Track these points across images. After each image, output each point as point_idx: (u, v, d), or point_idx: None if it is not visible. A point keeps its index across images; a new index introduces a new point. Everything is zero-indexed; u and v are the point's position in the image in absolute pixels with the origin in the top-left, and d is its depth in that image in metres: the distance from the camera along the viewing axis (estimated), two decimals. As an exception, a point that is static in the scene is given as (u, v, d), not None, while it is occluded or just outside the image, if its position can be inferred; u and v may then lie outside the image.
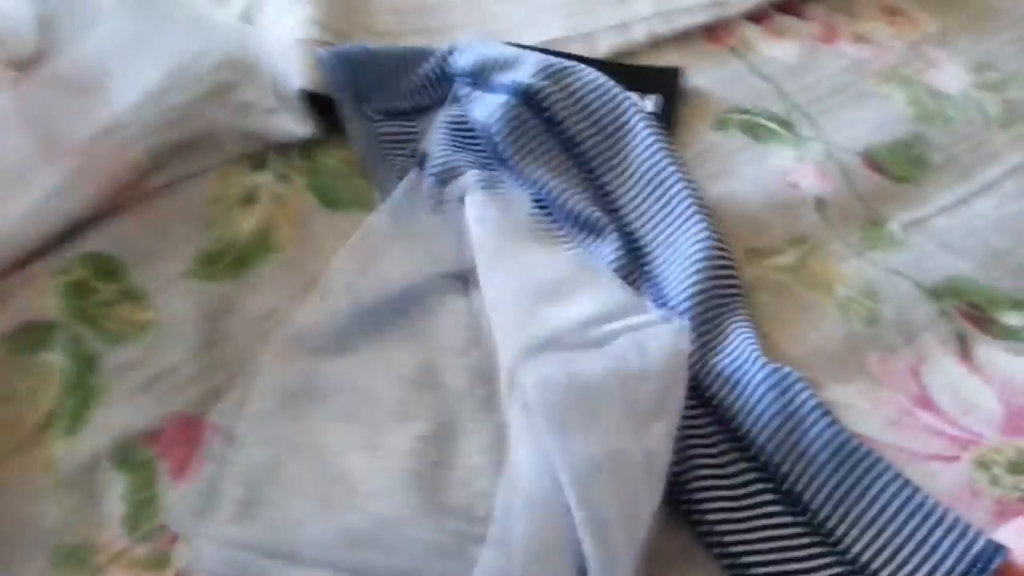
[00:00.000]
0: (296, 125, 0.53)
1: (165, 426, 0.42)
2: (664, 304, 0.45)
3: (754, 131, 0.55)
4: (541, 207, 0.49)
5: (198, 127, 0.51)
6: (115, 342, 0.44)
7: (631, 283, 0.46)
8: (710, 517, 0.39)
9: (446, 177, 0.49)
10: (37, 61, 0.54)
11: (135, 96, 0.50)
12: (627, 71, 0.54)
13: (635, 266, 0.47)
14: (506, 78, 0.50)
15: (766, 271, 0.48)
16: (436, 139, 0.51)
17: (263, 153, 0.53)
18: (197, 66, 0.51)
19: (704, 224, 0.46)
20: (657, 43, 0.59)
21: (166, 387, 0.43)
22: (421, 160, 0.51)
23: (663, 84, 0.55)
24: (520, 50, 0.51)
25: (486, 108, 0.50)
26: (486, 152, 0.50)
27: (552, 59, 0.50)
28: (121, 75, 0.51)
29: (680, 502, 0.39)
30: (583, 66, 0.51)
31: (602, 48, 0.58)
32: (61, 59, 0.52)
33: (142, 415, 0.42)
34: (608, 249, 0.47)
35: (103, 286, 0.46)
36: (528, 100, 0.49)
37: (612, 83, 0.50)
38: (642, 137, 0.49)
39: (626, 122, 0.49)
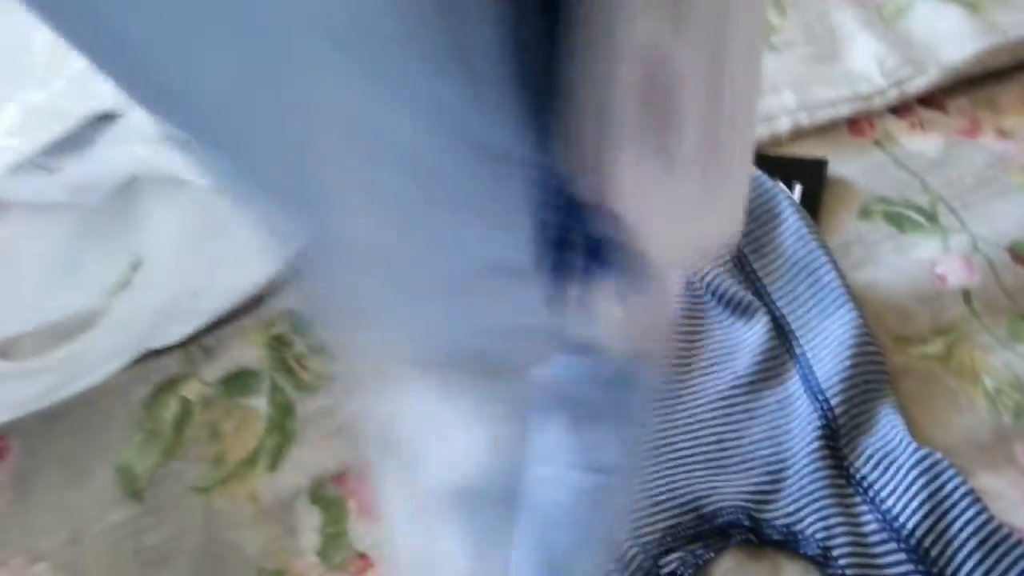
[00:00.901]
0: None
1: (351, 468, 0.47)
2: (813, 386, 0.47)
3: (899, 222, 0.57)
4: (692, 290, 0.52)
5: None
6: (308, 391, 0.50)
7: (780, 365, 0.49)
8: (860, 594, 0.41)
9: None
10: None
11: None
12: (773, 160, 0.58)
13: (784, 348, 0.49)
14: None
15: (913, 359, 0.50)
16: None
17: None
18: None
19: (855, 312, 0.48)
20: (801, 133, 0.63)
21: (350, 434, 0.48)
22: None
23: (808, 174, 0.58)
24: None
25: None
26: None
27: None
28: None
29: (830, 578, 0.42)
30: (736, 157, 0.54)
31: (749, 138, 0.62)
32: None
33: (332, 457, 0.47)
34: (758, 331, 0.50)
35: (298, 340, 0.53)
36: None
37: (761, 173, 0.54)
38: (792, 225, 0.52)
39: (777, 211, 0.52)
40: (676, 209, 0.27)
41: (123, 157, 0.57)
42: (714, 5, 0.24)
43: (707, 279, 0.52)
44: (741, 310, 0.51)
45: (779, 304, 0.51)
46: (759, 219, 0.52)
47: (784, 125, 0.62)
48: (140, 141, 0.58)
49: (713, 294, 0.52)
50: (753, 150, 0.59)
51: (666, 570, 0.43)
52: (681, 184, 0.26)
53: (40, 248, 0.57)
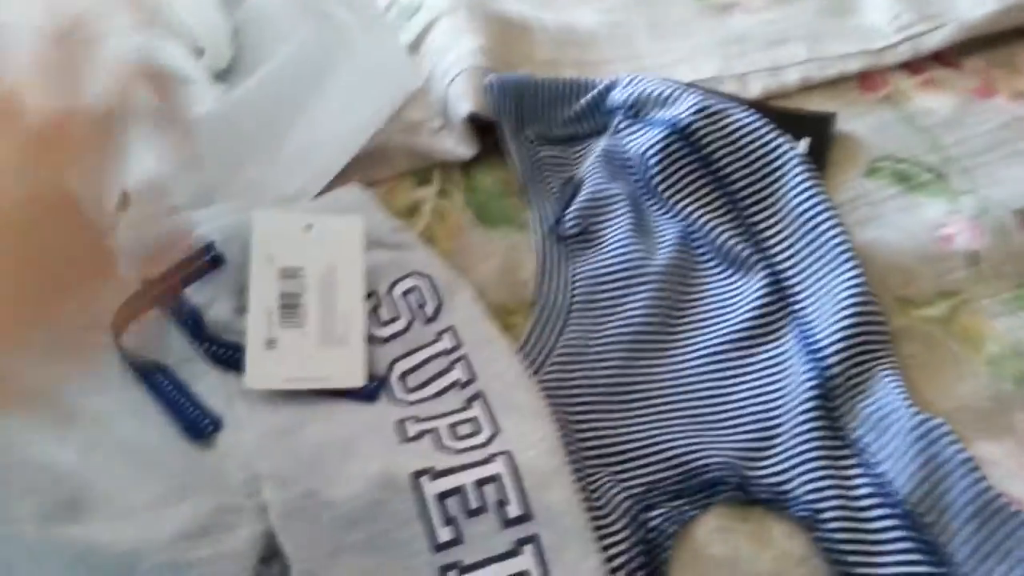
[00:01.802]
0: (459, 145, 0.56)
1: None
2: (810, 344, 0.45)
3: (906, 181, 0.55)
4: (690, 240, 0.50)
5: (372, 143, 0.55)
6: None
7: (776, 321, 0.47)
8: (850, 559, 0.40)
9: (595, 204, 0.52)
10: (232, 73, 0.59)
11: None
12: (779, 113, 0.55)
13: (781, 304, 0.48)
14: (663, 114, 0.52)
15: (915, 321, 0.48)
16: (592, 167, 0.53)
17: (428, 170, 0.56)
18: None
19: (857, 270, 0.46)
20: (809, 87, 0.60)
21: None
22: (576, 186, 0.53)
23: (815, 129, 0.56)
24: (679, 87, 0.53)
25: (643, 142, 0.52)
26: (640, 184, 0.52)
27: (709, 98, 0.52)
28: (308, 98, 0.55)
29: (819, 541, 0.40)
30: (739, 106, 0.52)
31: (754, 90, 0.59)
32: (252, 79, 0.57)
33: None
34: (755, 285, 0.48)
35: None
36: (684, 137, 0.51)
37: (767, 124, 0.51)
38: (796, 179, 0.50)
39: (780, 164, 0.50)
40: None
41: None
42: None
43: (703, 229, 0.50)
44: (738, 263, 0.49)
45: (778, 259, 0.49)
46: (761, 170, 0.50)
47: (793, 77, 0.60)
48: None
49: (709, 245, 0.50)
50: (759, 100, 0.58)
51: (650, 524, 0.41)
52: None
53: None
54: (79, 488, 0.40)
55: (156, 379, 0.45)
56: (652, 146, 0.51)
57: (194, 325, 0.47)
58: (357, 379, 0.46)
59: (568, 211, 0.52)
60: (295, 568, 0.38)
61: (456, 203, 0.55)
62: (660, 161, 0.51)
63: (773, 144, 0.51)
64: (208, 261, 0.47)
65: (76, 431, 0.42)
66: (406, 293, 0.49)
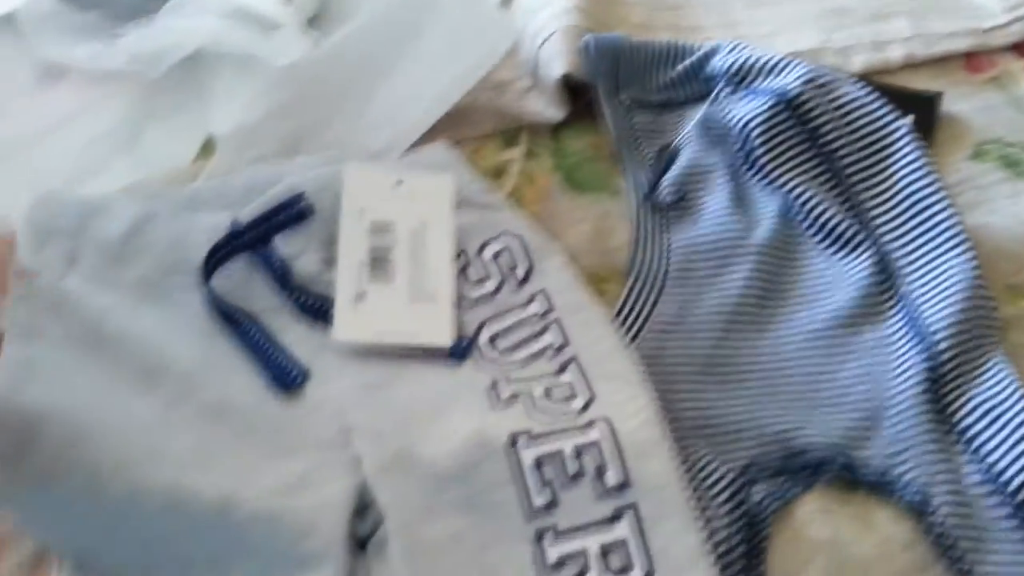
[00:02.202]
0: (549, 107, 0.55)
1: None
2: (919, 328, 0.44)
3: (1015, 166, 0.53)
4: (791, 215, 0.49)
5: (459, 102, 0.53)
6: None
7: (883, 302, 0.46)
8: (961, 547, 0.38)
9: (693, 174, 0.50)
10: (320, 20, 0.58)
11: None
12: (885, 90, 0.53)
13: (888, 285, 0.46)
14: (770, 83, 0.50)
15: (1023, 311, 0.47)
16: (690, 135, 0.52)
17: (515, 131, 0.55)
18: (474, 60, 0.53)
19: (969, 253, 0.44)
20: (913, 65, 0.58)
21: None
22: (673, 154, 0.51)
23: (921, 107, 0.54)
24: (783, 57, 0.51)
25: (746, 111, 0.50)
26: (739, 155, 0.51)
27: (819, 69, 0.50)
28: (397, 55, 0.54)
29: (928, 528, 0.39)
30: (848, 79, 0.50)
31: (856, 64, 0.57)
32: (340, 34, 0.56)
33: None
34: (860, 264, 0.46)
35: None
36: (791, 108, 0.49)
37: (878, 99, 0.49)
38: (907, 157, 0.48)
39: (890, 140, 0.48)
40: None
41: (191, 28, 0.54)
42: None
43: (807, 205, 0.48)
44: (843, 242, 0.47)
45: (886, 239, 0.47)
46: (870, 146, 0.48)
47: (897, 53, 0.58)
48: (209, 14, 0.55)
49: (814, 222, 0.48)
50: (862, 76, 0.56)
51: (751, 501, 0.40)
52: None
53: (94, 122, 0.54)
54: (165, 441, 0.40)
55: (243, 327, 0.44)
56: (756, 116, 0.49)
57: (282, 275, 0.46)
58: (445, 338, 0.44)
59: (665, 179, 0.50)
60: (390, 522, 0.37)
61: (544, 166, 0.54)
62: (764, 132, 0.49)
63: (884, 120, 0.49)
64: (298, 211, 0.46)
65: (162, 385, 0.42)
66: (496, 255, 0.47)
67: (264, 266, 0.46)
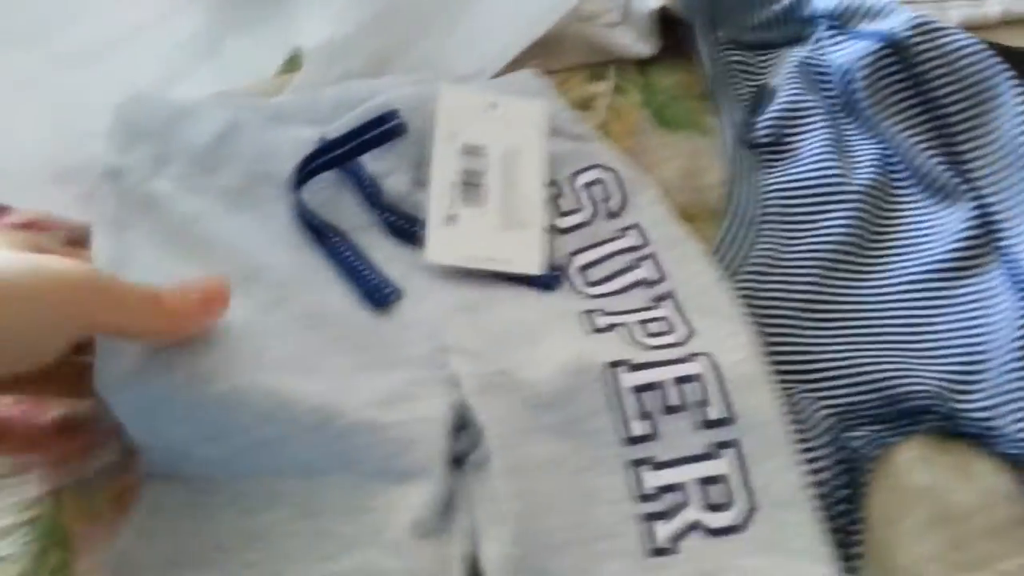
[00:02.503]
0: (638, 42, 0.53)
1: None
2: (1019, 281, 0.43)
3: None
4: (890, 162, 0.47)
5: (547, 32, 0.52)
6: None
7: (982, 255, 0.45)
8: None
9: (791, 114, 0.49)
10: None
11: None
12: (988, 44, 0.52)
13: (988, 238, 0.45)
14: (875, 26, 0.49)
15: None
16: (787, 76, 0.50)
17: (602, 65, 0.54)
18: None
19: (1078, 207, 0.44)
20: (1010, 22, 0.57)
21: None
22: (769, 94, 0.50)
23: (1018, 65, 0.52)
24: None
25: (849, 54, 0.49)
26: (838, 99, 0.49)
27: (926, 14, 0.49)
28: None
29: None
30: (957, 27, 0.49)
31: (953, 18, 0.56)
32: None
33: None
34: (960, 215, 0.45)
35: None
36: (897, 52, 0.48)
37: (987, 49, 0.48)
38: (1014, 109, 0.46)
39: (998, 92, 0.47)
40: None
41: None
42: None
43: (908, 152, 0.47)
44: (943, 191, 0.46)
45: (987, 191, 0.46)
46: (977, 96, 0.47)
47: (995, 9, 0.56)
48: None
49: (915, 170, 0.47)
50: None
51: (851, 445, 0.39)
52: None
53: (175, 29, 0.53)
54: (264, 345, 0.39)
55: (334, 242, 0.43)
56: (861, 58, 0.48)
57: (371, 192, 0.45)
58: (536, 265, 0.44)
59: (761, 119, 0.49)
60: (490, 441, 0.37)
61: (632, 102, 0.52)
62: (868, 75, 0.48)
63: (992, 69, 0.47)
64: (392, 128, 0.45)
65: (257, 289, 0.41)
66: (589, 185, 0.46)
67: (353, 183, 0.45)
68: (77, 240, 0.44)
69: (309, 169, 0.44)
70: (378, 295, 0.42)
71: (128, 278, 0.39)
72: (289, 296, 0.41)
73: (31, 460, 0.40)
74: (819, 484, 0.38)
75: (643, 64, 0.54)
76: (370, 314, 0.41)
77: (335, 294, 0.42)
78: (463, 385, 0.38)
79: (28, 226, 0.45)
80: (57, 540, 0.37)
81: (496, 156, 0.46)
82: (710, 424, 0.38)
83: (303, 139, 0.46)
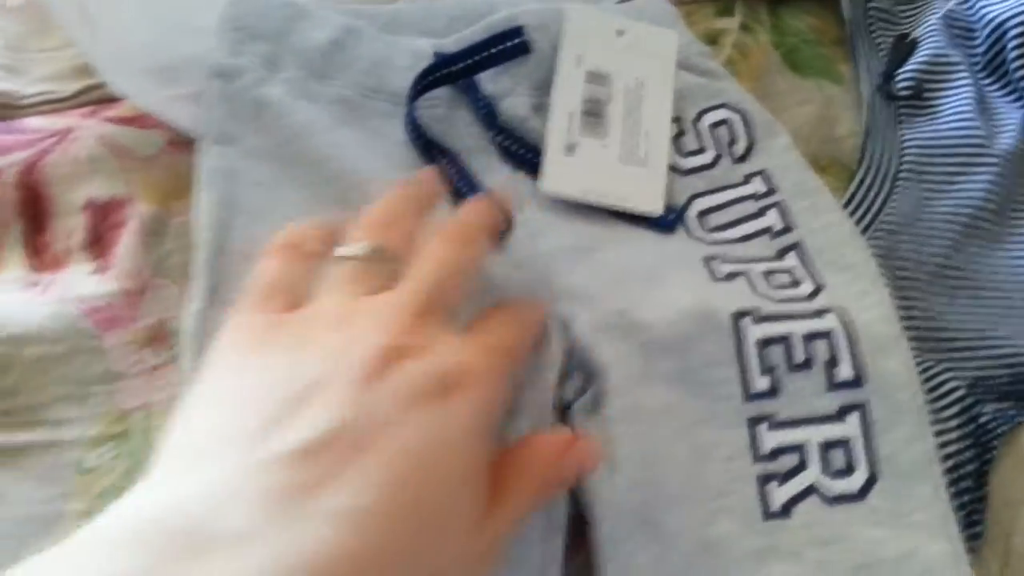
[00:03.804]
0: (772, -22, 0.50)
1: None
2: None
3: None
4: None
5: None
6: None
7: None
8: None
9: (933, 69, 0.46)
10: None
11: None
12: None
13: None
14: (1037, -21, 0.45)
15: None
16: (930, 28, 0.47)
17: (731, 1, 0.51)
18: None
19: None
20: None
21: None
22: (910, 46, 0.47)
23: None
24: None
25: (1004, 9, 0.45)
26: (983, 56, 0.46)
27: (1097, -29, 0.45)
28: None
29: None
30: (1124, -13, 0.45)
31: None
32: None
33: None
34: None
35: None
36: (1058, 9, 0.44)
37: None
38: None
39: None
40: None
41: None
42: None
43: (1055, 121, 0.44)
44: (1095, 162, 0.43)
45: None
46: None
47: None
48: None
49: (1061, 138, 0.44)
50: None
51: (980, 420, 0.37)
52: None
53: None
54: None
55: (446, 162, 0.41)
56: (1018, 15, 0.45)
57: (487, 113, 0.43)
58: (656, 205, 0.41)
59: (902, 71, 0.46)
60: (608, 382, 0.35)
61: (761, 42, 0.49)
62: (1023, 34, 0.45)
63: None
64: (516, 46, 0.43)
65: None
66: (715, 125, 0.44)
67: (470, 101, 0.43)
68: (181, 142, 0.43)
69: (425, 83, 0.42)
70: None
71: (234, 195, 0.37)
72: None
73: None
74: (946, 457, 0.36)
75: (774, 3, 0.51)
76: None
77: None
78: (574, 328, 0.37)
79: (130, 121, 0.44)
80: (145, 458, 0.37)
81: (621, 86, 0.43)
82: (838, 385, 0.36)
83: (418, 51, 0.43)
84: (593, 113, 0.43)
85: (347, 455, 0.22)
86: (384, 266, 0.28)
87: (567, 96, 0.43)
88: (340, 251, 0.29)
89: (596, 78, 0.43)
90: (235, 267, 0.37)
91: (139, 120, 0.43)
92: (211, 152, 0.39)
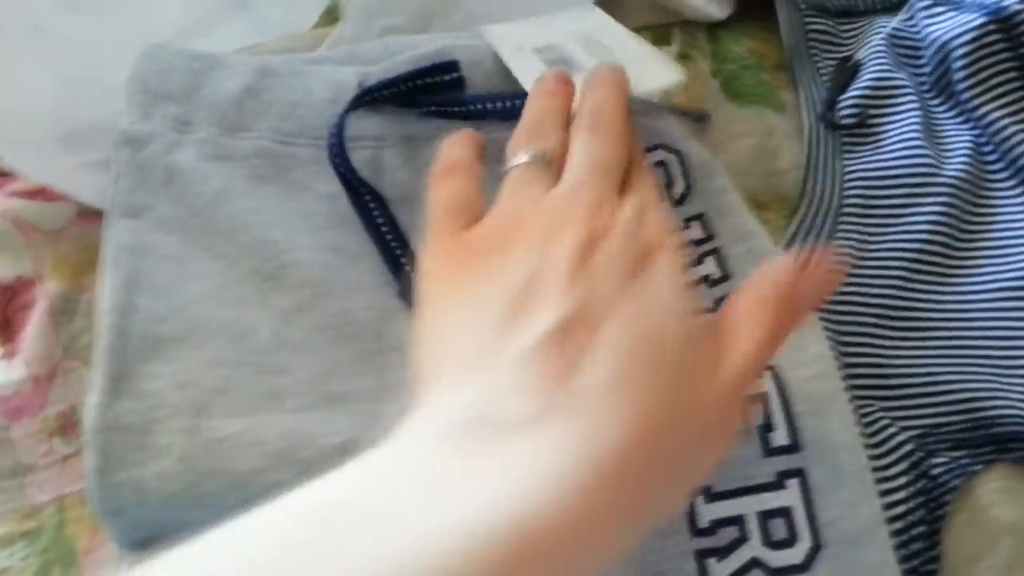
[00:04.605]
0: (711, 3, 0.48)
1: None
2: None
3: None
4: (984, 151, 0.42)
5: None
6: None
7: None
8: None
9: (878, 93, 0.44)
10: None
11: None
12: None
13: (1095, 242, 0.40)
14: (981, -4, 0.43)
15: None
16: (874, 49, 0.45)
17: (668, 28, 0.49)
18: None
19: None
20: None
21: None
22: (853, 69, 0.45)
23: None
24: (997, -33, 0.44)
25: (948, 28, 0.43)
26: (930, 77, 0.44)
27: (1041, -16, 0.43)
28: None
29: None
30: (1073, -1, 0.43)
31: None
32: None
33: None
34: (1063, 215, 0.41)
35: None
36: (1005, 28, 0.42)
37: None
38: None
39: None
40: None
41: None
42: None
43: (1007, 142, 0.42)
44: (1046, 187, 0.41)
45: (1097, 188, 0.41)
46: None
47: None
48: None
49: (1011, 162, 0.42)
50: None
51: (932, 473, 0.36)
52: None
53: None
54: (280, 370, 0.35)
55: (374, 219, 0.39)
56: (962, 34, 0.43)
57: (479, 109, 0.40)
58: (679, 71, 0.40)
59: (844, 97, 0.44)
60: None
61: (700, 71, 0.47)
62: (969, 53, 0.42)
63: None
64: (452, 80, 0.40)
65: (280, 292, 0.37)
66: (652, 167, 0.42)
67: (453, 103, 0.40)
68: (90, 213, 0.41)
69: (354, 106, 0.40)
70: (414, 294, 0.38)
71: (141, 272, 0.36)
72: (316, 298, 0.37)
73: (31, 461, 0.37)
74: (895, 519, 0.34)
75: (713, 28, 0.49)
76: (404, 317, 0.38)
77: (367, 292, 0.38)
78: None
79: (34, 194, 0.42)
80: (60, 556, 0.35)
81: (574, 45, 0.41)
82: (774, 451, 0.34)
83: (341, 82, 0.41)
84: (561, 61, 0.41)
85: (585, 337, 0.24)
86: (546, 167, 0.30)
87: (530, 72, 0.40)
88: (509, 163, 0.31)
89: (545, 49, 0.41)
90: (140, 352, 0.35)
91: (44, 192, 0.41)
92: (118, 226, 0.37)
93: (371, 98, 0.40)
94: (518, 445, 0.22)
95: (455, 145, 0.33)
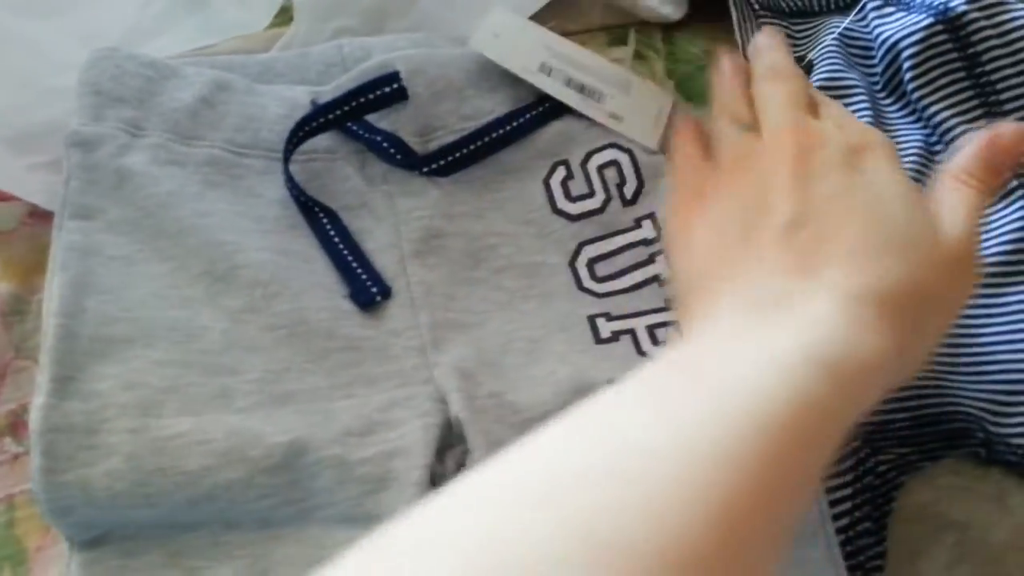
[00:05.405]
0: (666, 4, 0.48)
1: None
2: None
3: None
4: (932, 150, 0.43)
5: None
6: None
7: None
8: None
9: (829, 92, 0.44)
10: None
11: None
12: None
13: (1042, 240, 0.41)
14: (930, -2, 0.44)
15: None
16: (825, 49, 0.46)
17: (623, 28, 0.49)
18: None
19: None
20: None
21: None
22: (806, 68, 0.45)
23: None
24: (946, -32, 0.45)
25: (897, 28, 0.44)
26: (880, 76, 0.45)
27: (986, -14, 0.44)
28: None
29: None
30: (1016, 2, 0.44)
31: (1013, -14, 0.51)
32: None
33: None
34: (1008, 214, 0.41)
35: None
36: (952, 28, 0.43)
37: (1051, 26, 0.43)
38: (1078, 97, 0.42)
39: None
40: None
41: None
42: None
43: (952, 143, 0.42)
44: (995, 188, 0.42)
45: (1043, 187, 0.42)
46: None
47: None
48: None
49: (961, 163, 0.42)
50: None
51: (878, 470, 0.36)
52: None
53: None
54: (230, 370, 0.35)
55: (324, 227, 0.39)
56: (910, 34, 0.43)
57: (390, 145, 0.40)
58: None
59: (796, 97, 0.44)
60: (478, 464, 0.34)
61: (656, 71, 0.48)
62: (917, 53, 0.43)
63: (1060, 52, 0.43)
64: (393, 92, 0.40)
65: (231, 293, 0.37)
66: (603, 167, 0.42)
67: (366, 140, 0.40)
68: (41, 213, 0.40)
69: (304, 133, 0.40)
70: (364, 295, 0.38)
71: (89, 274, 0.36)
72: (267, 298, 0.37)
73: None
74: (841, 515, 0.35)
75: (668, 29, 0.49)
76: (355, 317, 0.38)
77: (318, 292, 0.38)
78: (452, 405, 0.35)
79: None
80: (10, 554, 0.35)
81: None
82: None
83: (294, 100, 0.41)
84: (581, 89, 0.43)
85: (818, 229, 0.28)
86: (748, 131, 0.34)
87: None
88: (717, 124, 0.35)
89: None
90: (88, 353, 0.35)
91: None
92: (68, 227, 0.37)
93: (321, 121, 0.40)
94: (798, 307, 0.26)
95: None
